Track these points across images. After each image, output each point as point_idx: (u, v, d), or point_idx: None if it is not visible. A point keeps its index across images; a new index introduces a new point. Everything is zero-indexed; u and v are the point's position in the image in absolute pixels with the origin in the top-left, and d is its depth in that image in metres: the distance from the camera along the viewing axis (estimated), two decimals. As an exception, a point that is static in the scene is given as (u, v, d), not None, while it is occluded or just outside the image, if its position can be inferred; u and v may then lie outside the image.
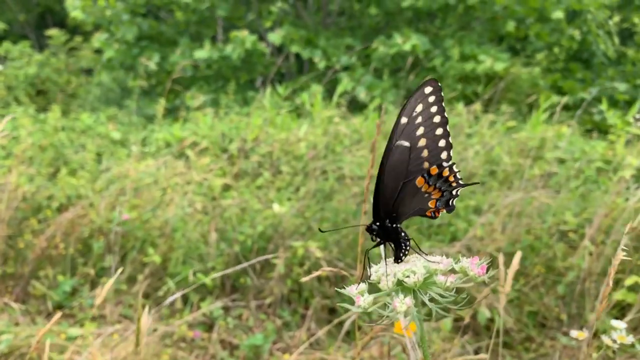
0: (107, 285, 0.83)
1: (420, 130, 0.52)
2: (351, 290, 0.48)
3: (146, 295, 2.22)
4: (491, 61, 4.93)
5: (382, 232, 0.53)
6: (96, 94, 5.84)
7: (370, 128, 3.43)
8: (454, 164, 0.53)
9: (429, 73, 5.28)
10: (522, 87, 5.06)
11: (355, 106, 4.64)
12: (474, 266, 0.48)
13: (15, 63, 5.62)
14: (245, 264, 1.34)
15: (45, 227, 2.36)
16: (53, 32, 5.90)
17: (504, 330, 1.92)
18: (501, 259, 1.01)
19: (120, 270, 0.90)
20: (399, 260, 0.52)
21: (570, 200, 2.43)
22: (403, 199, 0.53)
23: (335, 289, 0.51)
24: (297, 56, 5.82)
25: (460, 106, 3.87)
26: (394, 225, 0.53)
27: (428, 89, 0.52)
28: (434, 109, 0.52)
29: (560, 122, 3.85)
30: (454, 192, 0.54)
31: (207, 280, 2.09)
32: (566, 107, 4.76)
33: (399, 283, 0.46)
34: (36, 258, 2.25)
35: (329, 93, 4.54)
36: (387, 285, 0.47)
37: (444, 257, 0.50)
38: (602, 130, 4.33)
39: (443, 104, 0.52)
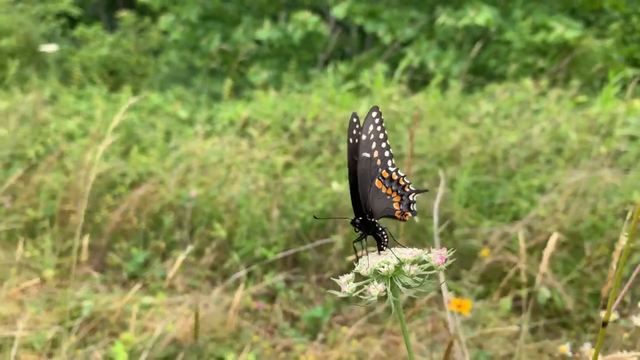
0: (178, 261, 0.90)
1: (373, 145, 0.66)
2: (341, 279, 0.57)
3: (213, 268, 2.34)
4: (563, 29, 4.72)
5: (364, 226, 0.64)
6: (164, 73, 6.05)
7: (432, 105, 3.41)
8: (397, 168, 0.66)
9: (499, 46, 5.13)
10: (594, 61, 4.84)
11: (417, 83, 4.59)
12: (436, 257, 0.56)
13: (90, 45, 5.89)
14: (309, 246, 1.40)
15: (119, 203, 2.51)
16: (123, 14, 6.13)
17: (563, 311, 1.91)
18: (552, 239, 1.02)
19: (191, 246, 0.98)
20: (381, 251, 0.62)
21: (639, 180, 2.35)
22: (372, 200, 0.65)
23: (331, 277, 0.59)
24: (360, 32, 5.78)
25: (527, 81, 3.77)
26: (373, 220, 0.64)
27: (374, 114, 0.66)
28: (379, 128, 0.66)
29: (634, 97, 3.67)
30: (410, 197, 0.65)
31: (271, 255, 2.18)
32: (641, 81, 4.52)
33: (376, 272, 0.56)
34: (112, 231, 2.41)
35: (392, 69, 4.51)
36: (367, 274, 0.57)
37: (432, 249, 0.58)
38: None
39: (383, 124, 0.66)
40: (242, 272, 1.37)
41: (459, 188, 2.50)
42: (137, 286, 1.66)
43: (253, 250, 2.27)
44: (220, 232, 2.29)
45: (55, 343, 1.71)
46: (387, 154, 0.66)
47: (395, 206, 0.65)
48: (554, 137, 3.00)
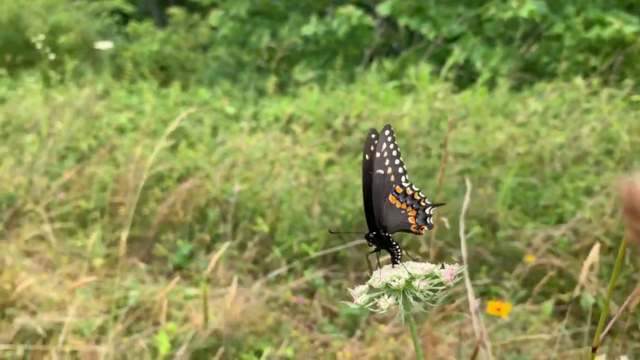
0: (218, 253, 0.94)
1: (387, 162, 0.67)
2: (355, 290, 0.59)
3: (255, 261, 2.38)
4: (620, 24, 4.56)
5: (378, 241, 0.66)
6: (213, 69, 6.16)
7: (478, 103, 3.36)
8: (411, 184, 0.67)
9: (550, 42, 5.00)
10: (652, 58, 4.65)
11: (463, 80, 4.53)
12: (446, 273, 0.56)
13: (141, 40, 6.06)
14: (348, 244, 1.41)
15: (167, 196, 2.59)
16: (174, 10, 6.27)
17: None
18: (595, 248, 1.00)
19: (228, 242, 1.01)
20: (394, 265, 0.63)
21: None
22: (387, 215, 0.67)
23: (348, 289, 0.60)
24: (407, 27, 5.73)
25: (578, 79, 3.66)
26: (387, 234, 0.66)
27: (387, 132, 0.68)
28: (391, 146, 0.68)
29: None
30: (426, 211, 0.66)
31: (311, 251, 2.21)
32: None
33: (387, 286, 0.57)
34: (159, 224, 2.49)
35: (439, 65, 4.46)
36: (379, 286, 0.58)
37: (448, 264, 0.58)
38: None
39: (395, 142, 0.68)
40: (284, 268, 1.40)
41: (503, 189, 2.47)
42: (177, 279, 1.72)
43: (293, 246, 2.31)
44: (263, 226, 2.33)
45: (102, 330, 1.78)
46: (400, 170, 0.68)
47: (411, 220, 0.66)
48: (604, 138, 2.91)
